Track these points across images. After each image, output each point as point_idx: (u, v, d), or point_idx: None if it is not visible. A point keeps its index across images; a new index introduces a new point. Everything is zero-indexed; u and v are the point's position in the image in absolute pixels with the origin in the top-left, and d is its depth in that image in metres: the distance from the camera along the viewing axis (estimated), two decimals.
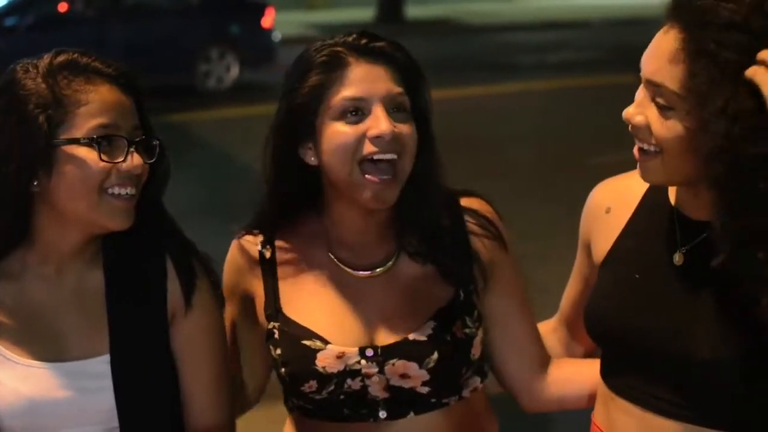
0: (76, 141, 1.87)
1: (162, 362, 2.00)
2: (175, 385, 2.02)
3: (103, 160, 1.87)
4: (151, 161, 1.95)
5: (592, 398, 2.07)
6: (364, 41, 1.99)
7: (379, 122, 1.93)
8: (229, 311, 2.14)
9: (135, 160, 1.90)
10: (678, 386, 1.83)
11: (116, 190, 1.90)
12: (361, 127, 1.94)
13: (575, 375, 2.15)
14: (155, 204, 2.02)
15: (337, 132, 1.95)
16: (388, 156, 1.94)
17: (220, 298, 2.09)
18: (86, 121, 1.88)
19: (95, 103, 1.89)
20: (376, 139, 1.93)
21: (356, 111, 1.95)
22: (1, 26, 12.78)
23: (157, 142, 1.97)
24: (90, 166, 1.88)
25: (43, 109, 1.86)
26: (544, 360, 2.16)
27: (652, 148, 1.80)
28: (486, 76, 14.56)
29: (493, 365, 2.15)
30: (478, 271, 2.07)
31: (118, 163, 1.89)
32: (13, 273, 1.97)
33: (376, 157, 1.94)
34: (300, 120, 1.99)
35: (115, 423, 1.94)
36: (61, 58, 1.92)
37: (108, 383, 1.93)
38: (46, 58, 1.92)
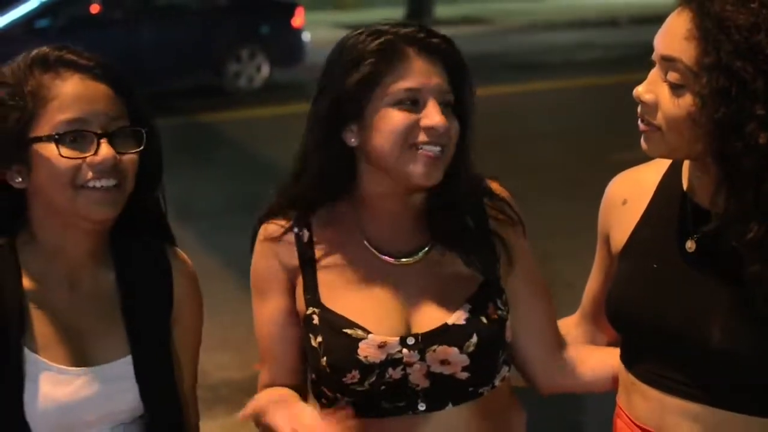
0: (39, 139, 1.87)
1: (172, 356, 2.03)
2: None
3: (65, 156, 1.85)
4: (138, 150, 1.92)
5: (607, 381, 2.14)
6: (422, 35, 2.03)
7: (434, 115, 1.98)
8: (271, 303, 2.12)
9: (104, 152, 1.86)
10: (694, 372, 1.88)
11: (93, 183, 1.87)
12: (415, 116, 1.99)
13: (589, 355, 2.20)
14: (153, 196, 2.03)
15: (392, 116, 1.99)
16: (437, 148, 2.00)
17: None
18: (53, 117, 1.86)
19: (62, 98, 1.87)
20: (430, 130, 1.98)
21: (413, 101, 2.00)
22: (32, 28, 12.81)
23: (145, 130, 1.93)
24: (55, 164, 1.86)
25: (16, 109, 1.87)
26: (561, 342, 2.21)
27: (653, 126, 1.86)
28: (515, 74, 14.55)
29: (511, 350, 2.16)
30: (501, 254, 2.11)
31: (87, 156, 1.87)
32: (35, 278, 1.96)
33: (425, 147, 1.99)
34: (348, 103, 2.01)
35: (133, 420, 1.99)
36: (33, 55, 1.91)
37: (131, 383, 1.97)
38: (23, 57, 1.92)
